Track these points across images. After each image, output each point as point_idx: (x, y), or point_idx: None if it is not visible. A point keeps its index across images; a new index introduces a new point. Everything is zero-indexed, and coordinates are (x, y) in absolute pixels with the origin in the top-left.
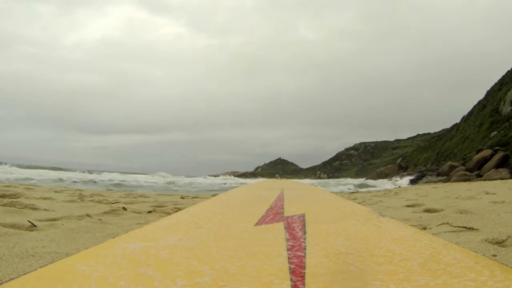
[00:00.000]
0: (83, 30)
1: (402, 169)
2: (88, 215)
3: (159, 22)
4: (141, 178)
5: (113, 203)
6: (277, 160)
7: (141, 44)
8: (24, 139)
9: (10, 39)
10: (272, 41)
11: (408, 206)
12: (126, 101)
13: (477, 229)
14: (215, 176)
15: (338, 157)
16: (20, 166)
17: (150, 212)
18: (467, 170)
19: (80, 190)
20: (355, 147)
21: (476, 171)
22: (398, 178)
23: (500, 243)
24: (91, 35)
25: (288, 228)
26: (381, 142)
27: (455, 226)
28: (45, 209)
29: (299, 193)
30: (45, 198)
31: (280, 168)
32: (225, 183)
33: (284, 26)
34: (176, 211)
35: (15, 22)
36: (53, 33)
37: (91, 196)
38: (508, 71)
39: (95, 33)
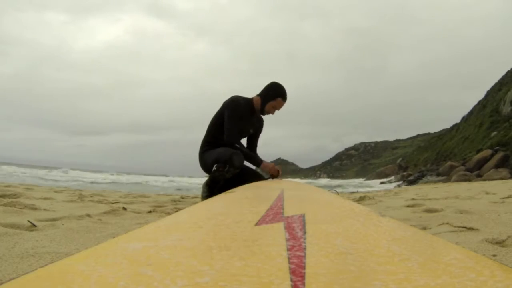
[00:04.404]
0: (87, 34)
1: (402, 169)
2: (88, 215)
3: (165, 26)
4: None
5: (113, 203)
6: (277, 160)
7: (146, 47)
8: (20, 139)
9: (14, 41)
10: (274, 41)
11: (408, 206)
12: (129, 102)
13: (477, 229)
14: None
15: (338, 157)
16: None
17: (150, 212)
18: (467, 170)
19: (80, 190)
20: (355, 147)
21: (476, 171)
22: (392, 179)
23: (500, 243)
24: (97, 39)
25: (288, 228)
26: (381, 142)
27: (455, 226)
28: (45, 209)
29: (299, 193)
30: (45, 198)
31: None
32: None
33: (287, 27)
34: (176, 211)
35: (22, 27)
36: (61, 38)
37: (91, 196)
38: (508, 71)
39: (100, 37)
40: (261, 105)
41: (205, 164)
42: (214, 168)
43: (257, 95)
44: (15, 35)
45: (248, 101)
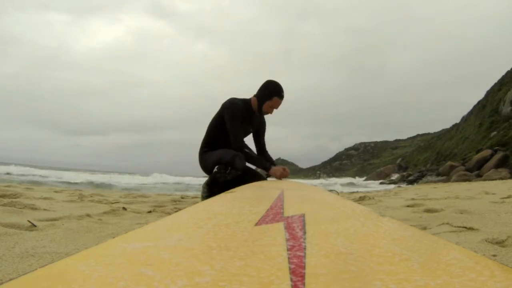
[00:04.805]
0: (88, 35)
1: (402, 169)
2: (88, 215)
3: (166, 27)
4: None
5: (113, 203)
6: (277, 160)
7: (147, 47)
8: (20, 139)
9: (15, 41)
10: (274, 42)
11: (408, 206)
12: (130, 102)
13: (477, 229)
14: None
15: (338, 157)
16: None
17: (150, 212)
18: (467, 170)
19: (80, 190)
20: (355, 147)
21: (476, 171)
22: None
23: (500, 243)
24: (98, 39)
25: (288, 228)
26: (381, 142)
27: (455, 226)
28: (45, 209)
29: (299, 193)
30: (45, 198)
31: None
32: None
33: (287, 27)
34: (176, 211)
35: (24, 27)
36: (62, 38)
37: (91, 196)
38: (508, 71)
39: (102, 37)
40: (258, 106)
41: (205, 165)
42: (215, 169)
43: (254, 96)
44: (17, 35)
45: (246, 102)
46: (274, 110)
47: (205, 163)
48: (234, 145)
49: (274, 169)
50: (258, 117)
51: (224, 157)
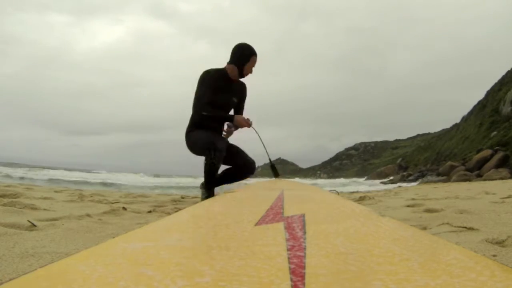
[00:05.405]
0: (89, 35)
1: (402, 169)
2: (88, 215)
3: (166, 27)
4: None
5: (113, 203)
6: (277, 160)
7: (147, 48)
8: (19, 139)
9: (16, 41)
10: (274, 42)
11: (408, 206)
12: (131, 102)
13: (477, 229)
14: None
15: (338, 157)
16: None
17: (150, 212)
18: (467, 170)
19: (80, 190)
20: (355, 147)
21: (476, 171)
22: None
23: (500, 243)
24: (99, 40)
25: (288, 228)
26: (381, 142)
27: (455, 226)
28: (45, 209)
29: (299, 193)
30: (45, 198)
31: (280, 168)
32: None
33: (288, 28)
34: (176, 211)
35: (25, 27)
36: (63, 39)
37: (91, 196)
38: (508, 71)
39: (102, 38)
40: (239, 71)
41: (191, 146)
42: (204, 161)
43: (229, 63)
44: (17, 35)
45: (220, 71)
46: (253, 68)
47: (191, 144)
48: (195, 109)
49: (237, 119)
50: (238, 83)
51: (205, 143)
